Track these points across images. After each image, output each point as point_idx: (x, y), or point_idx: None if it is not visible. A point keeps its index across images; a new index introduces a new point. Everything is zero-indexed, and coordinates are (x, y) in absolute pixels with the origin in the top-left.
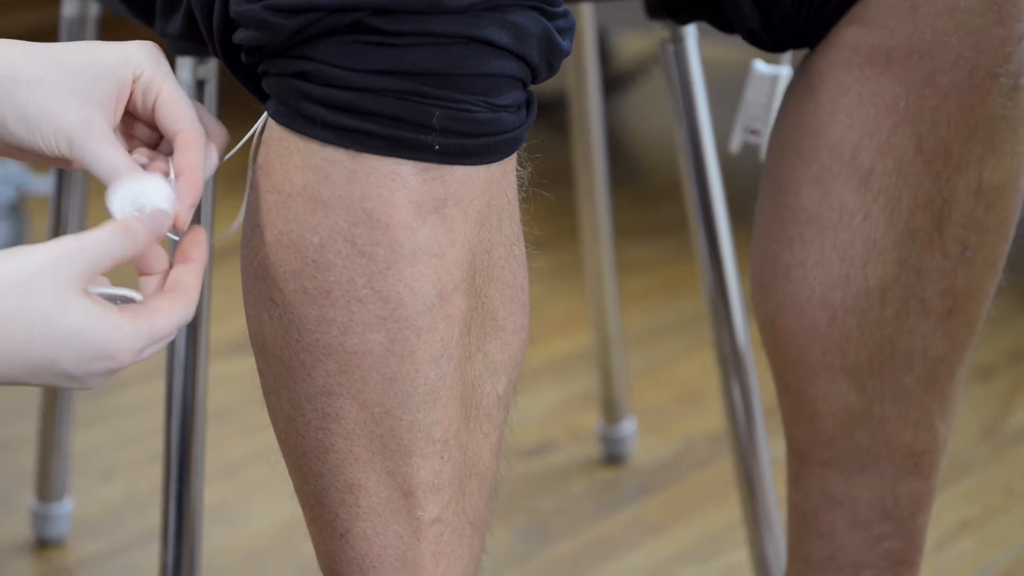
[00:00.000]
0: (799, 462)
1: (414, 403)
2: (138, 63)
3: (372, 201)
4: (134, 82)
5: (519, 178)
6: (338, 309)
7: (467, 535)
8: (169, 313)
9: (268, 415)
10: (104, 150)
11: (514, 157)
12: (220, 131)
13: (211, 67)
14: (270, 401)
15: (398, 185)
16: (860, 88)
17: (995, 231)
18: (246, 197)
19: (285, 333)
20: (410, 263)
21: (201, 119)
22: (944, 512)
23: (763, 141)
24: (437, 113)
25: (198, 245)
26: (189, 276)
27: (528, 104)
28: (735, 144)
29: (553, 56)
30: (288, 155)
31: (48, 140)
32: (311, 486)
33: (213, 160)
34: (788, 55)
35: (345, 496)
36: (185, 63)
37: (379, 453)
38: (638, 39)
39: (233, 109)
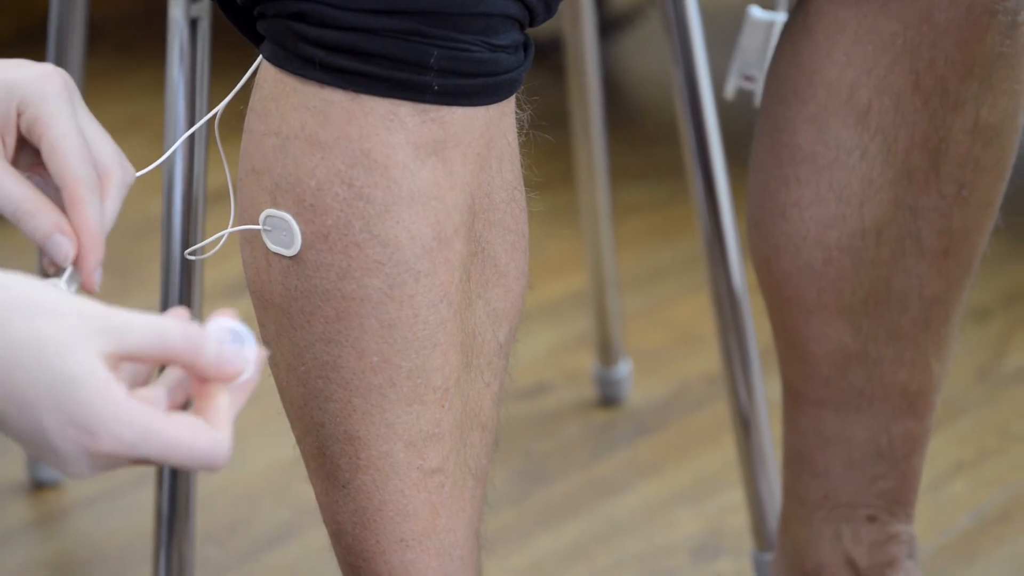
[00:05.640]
0: (794, 402)
1: (413, 349)
2: (23, 96)
3: (370, 142)
4: (19, 116)
5: (519, 121)
6: (336, 254)
7: (469, 486)
8: (188, 434)
9: (270, 366)
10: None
11: (513, 100)
12: (121, 170)
13: (204, 5)
14: (271, 350)
15: (396, 126)
16: (857, 25)
17: (992, 170)
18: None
19: (284, 280)
20: (408, 205)
21: (99, 158)
22: (939, 453)
23: (758, 87)
24: (435, 53)
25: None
26: (224, 401)
27: (526, 46)
28: (730, 90)
29: None
30: (285, 96)
31: None
32: (313, 436)
33: (111, 207)
34: None
35: (345, 447)
36: (178, 1)
37: (378, 404)
38: None
39: (226, 49)
